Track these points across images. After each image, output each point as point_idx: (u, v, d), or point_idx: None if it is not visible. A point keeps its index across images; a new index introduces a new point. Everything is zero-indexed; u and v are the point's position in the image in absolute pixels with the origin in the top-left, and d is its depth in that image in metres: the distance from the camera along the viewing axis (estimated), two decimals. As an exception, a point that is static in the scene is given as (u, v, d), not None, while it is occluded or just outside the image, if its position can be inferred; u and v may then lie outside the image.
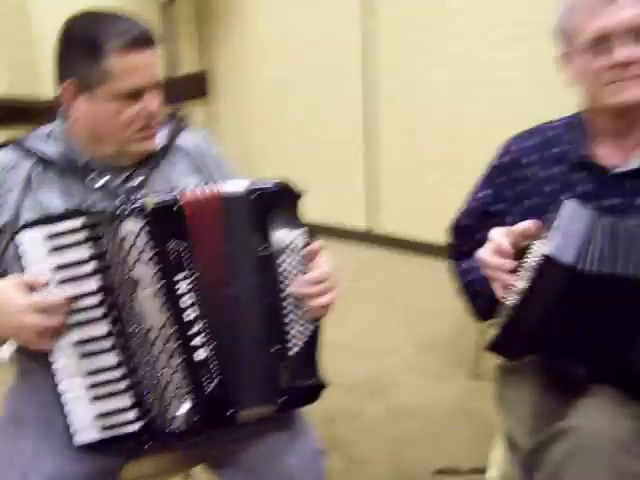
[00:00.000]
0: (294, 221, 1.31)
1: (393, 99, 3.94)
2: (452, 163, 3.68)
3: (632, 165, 1.39)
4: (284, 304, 1.32)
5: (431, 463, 2.23)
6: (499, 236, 1.31)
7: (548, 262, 1.17)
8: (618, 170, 1.40)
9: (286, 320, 1.32)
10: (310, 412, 2.51)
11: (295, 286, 1.31)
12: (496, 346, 1.29)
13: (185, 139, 1.53)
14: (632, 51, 1.32)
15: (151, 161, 1.45)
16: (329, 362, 2.89)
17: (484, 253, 1.32)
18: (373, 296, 3.59)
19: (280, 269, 1.31)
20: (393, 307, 3.47)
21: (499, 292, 1.29)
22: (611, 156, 1.41)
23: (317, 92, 4.20)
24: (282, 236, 1.30)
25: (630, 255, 1.17)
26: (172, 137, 1.50)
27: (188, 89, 4.23)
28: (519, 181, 1.48)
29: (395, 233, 4.13)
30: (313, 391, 1.39)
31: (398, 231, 4.10)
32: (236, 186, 1.30)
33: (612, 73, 1.33)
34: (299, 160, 4.36)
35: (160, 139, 1.47)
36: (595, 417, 1.18)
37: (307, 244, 1.32)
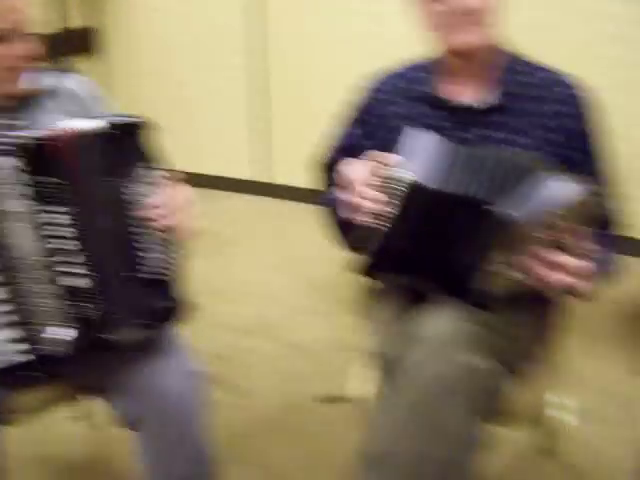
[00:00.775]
0: (148, 153, 1.40)
1: (282, 52, 4.01)
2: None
3: (480, 102, 1.51)
4: (142, 232, 1.39)
5: (317, 393, 2.36)
6: (359, 164, 1.39)
7: (414, 188, 1.27)
8: (468, 107, 1.51)
9: (145, 247, 1.39)
10: (198, 352, 2.61)
11: (142, 210, 1.38)
12: (367, 270, 1.39)
13: (67, 83, 1.59)
14: (463, 0, 1.42)
15: (30, 102, 1.50)
16: (219, 306, 3.01)
17: (352, 180, 1.39)
18: (262, 242, 3.71)
19: (136, 199, 1.38)
20: (281, 252, 3.58)
21: (359, 216, 1.38)
22: (461, 94, 1.53)
23: (204, 46, 4.22)
24: (138, 168, 1.38)
25: (482, 178, 1.28)
26: (52, 80, 1.55)
27: (74, 44, 4.17)
28: (381, 118, 1.58)
29: (282, 182, 4.25)
30: (178, 310, 1.46)
31: (284, 180, 4.22)
32: (94, 122, 1.36)
33: (449, 19, 1.44)
34: (189, 114, 4.39)
35: (39, 82, 1.52)
36: (439, 323, 1.31)
37: (160, 174, 1.40)
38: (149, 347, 1.47)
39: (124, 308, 1.40)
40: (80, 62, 4.20)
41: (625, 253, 3.45)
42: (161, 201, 1.39)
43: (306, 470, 2.01)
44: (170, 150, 4.19)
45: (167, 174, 1.41)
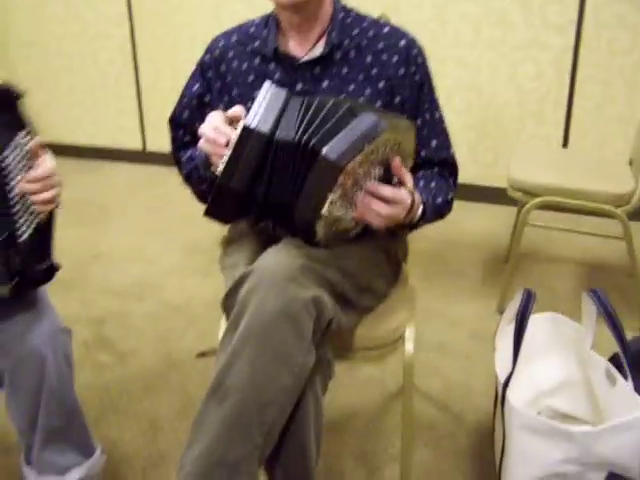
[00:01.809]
0: (18, 120, 1.41)
1: (148, 19, 4.04)
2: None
3: (315, 54, 1.59)
4: (10, 196, 1.42)
5: (195, 349, 2.45)
6: (216, 116, 1.45)
7: (247, 132, 1.34)
8: (304, 59, 1.59)
9: (13, 211, 1.42)
10: (78, 317, 2.63)
11: (20, 183, 1.41)
12: (210, 211, 1.45)
13: None
14: None
15: None
16: (101, 271, 3.02)
17: (204, 129, 1.44)
18: (138, 209, 3.75)
19: (5, 164, 1.40)
20: (164, 217, 3.64)
21: (211, 162, 1.45)
22: (298, 48, 1.61)
23: (77, 15, 4.17)
24: (7, 134, 1.40)
25: (317, 124, 1.34)
26: None
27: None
28: (226, 74, 1.65)
29: (154, 149, 4.33)
30: (45, 273, 1.50)
31: (157, 147, 4.32)
32: None
33: None
34: (64, 85, 4.34)
35: None
36: (272, 258, 1.38)
37: (30, 142, 1.42)
38: (15, 305, 1.50)
39: None
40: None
41: (484, 200, 3.68)
42: (37, 175, 1.42)
43: (181, 416, 2.11)
44: (45, 121, 4.15)
45: (39, 144, 1.43)
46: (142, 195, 3.92)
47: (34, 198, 1.43)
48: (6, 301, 1.47)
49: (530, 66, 3.40)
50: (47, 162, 1.45)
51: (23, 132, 1.41)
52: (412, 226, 1.56)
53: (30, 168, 1.43)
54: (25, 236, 1.44)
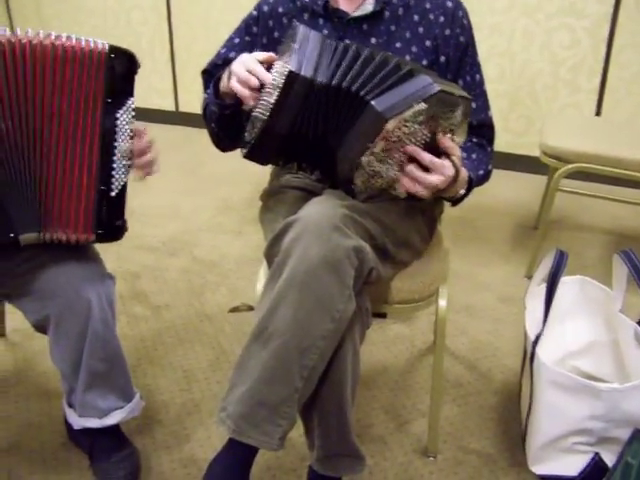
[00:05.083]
0: (131, 88, 1.49)
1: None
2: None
3: (365, 10, 1.62)
4: (116, 151, 1.50)
5: (228, 304, 2.50)
6: (248, 57, 1.46)
7: (292, 77, 1.36)
8: (354, 15, 1.62)
9: (114, 165, 1.50)
10: (114, 271, 2.69)
11: (129, 142, 1.50)
12: (252, 153, 1.48)
13: None
14: None
15: None
16: (136, 228, 3.08)
17: (237, 69, 1.45)
18: (178, 168, 3.80)
19: (118, 122, 1.48)
20: (197, 177, 3.69)
21: (248, 104, 1.46)
22: (347, 3, 1.63)
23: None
24: (123, 94, 1.48)
25: (357, 71, 1.37)
26: None
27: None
28: (274, 29, 1.68)
29: (187, 110, 4.36)
30: (120, 230, 1.59)
31: (190, 108, 4.35)
32: (99, 44, 1.43)
33: None
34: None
35: None
36: (316, 209, 1.41)
37: (134, 111, 1.51)
38: (65, 252, 1.56)
39: (78, 213, 1.50)
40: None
41: (515, 169, 3.68)
42: (143, 138, 1.54)
43: (213, 367, 2.16)
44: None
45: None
46: (175, 155, 3.97)
47: (139, 160, 1.54)
48: (57, 247, 1.53)
49: (565, 34, 3.38)
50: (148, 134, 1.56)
51: (132, 99, 1.49)
52: (456, 200, 1.58)
53: (133, 135, 1.52)
54: (115, 192, 1.52)
